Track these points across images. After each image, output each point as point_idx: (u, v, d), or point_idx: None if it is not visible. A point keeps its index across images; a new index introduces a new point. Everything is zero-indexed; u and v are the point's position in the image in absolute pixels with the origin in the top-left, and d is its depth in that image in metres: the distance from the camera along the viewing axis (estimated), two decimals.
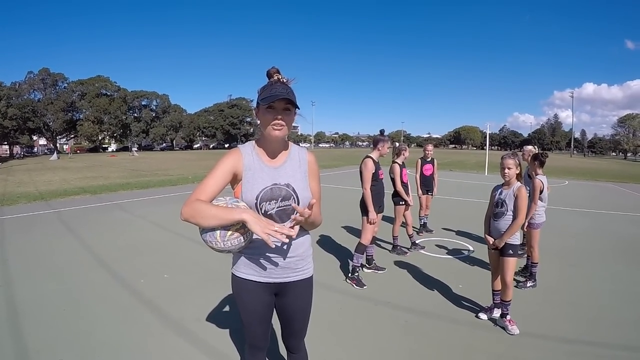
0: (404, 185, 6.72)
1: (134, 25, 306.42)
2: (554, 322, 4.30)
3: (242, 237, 1.89)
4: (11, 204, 11.56)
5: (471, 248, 7.31)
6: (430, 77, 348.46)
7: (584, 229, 9.23)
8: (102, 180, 18.39)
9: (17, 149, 64.22)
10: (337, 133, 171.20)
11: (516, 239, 4.10)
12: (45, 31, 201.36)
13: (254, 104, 2.14)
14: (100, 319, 4.21)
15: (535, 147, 6.45)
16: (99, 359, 3.47)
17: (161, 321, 4.20)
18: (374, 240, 6.02)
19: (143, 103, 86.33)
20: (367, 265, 5.92)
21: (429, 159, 8.27)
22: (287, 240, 1.82)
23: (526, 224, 5.43)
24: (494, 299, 4.34)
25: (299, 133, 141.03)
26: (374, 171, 5.41)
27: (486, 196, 4.46)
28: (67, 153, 59.73)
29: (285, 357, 2.48)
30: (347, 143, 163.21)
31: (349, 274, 5.49)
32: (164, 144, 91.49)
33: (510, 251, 4.05)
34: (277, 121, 1.98)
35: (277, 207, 2.05)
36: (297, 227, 1.94)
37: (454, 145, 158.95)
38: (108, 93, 76.77)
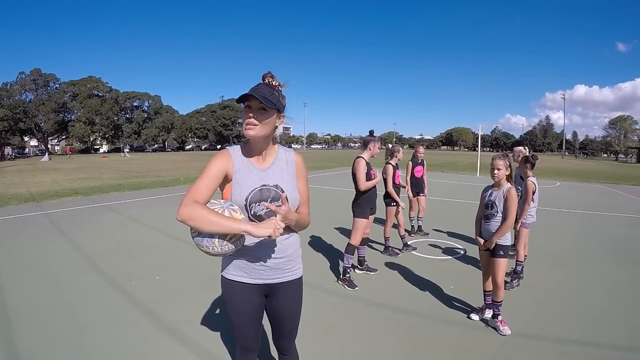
0: (397, 187, 6.75)
1: (126, 26, 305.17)
2: (545, 322, 4.33)
3: (238, 242, 1.92)
4: (2, 206, 11.46)
5: (463, 249, 7.35)
6: (422, 79, 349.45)
7: (575, 230, 9.30)
8: (94, 182, 18.28)
9: (8, 150, 63.74)
10: (329, 134, 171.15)
11: (507, 239, 4.12)
12: (36, 31, 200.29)
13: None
14: (92, 321, 4.19)
15: (526, 148, 6.49)
16: None
17: (153, 323, 4.18)
18: (367, 241, 6.03)
19: (135, 104, 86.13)
20: (358, 266, 5.93)
21: (419, 161, 8.30)
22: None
23: (519, 224, 5.48)
24: (485, 300, 4.36)
25: (291, 134, 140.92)
26: (366, 171, 5.44)
27: (478, 197, 4.49)
28: (67, 154, 59.60)
29: (277, 359, 2.48)
30: (339, 144, 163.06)
31: (340, 276, 5.50)
32: (156, 145, 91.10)
33: (501, 252, 4.08)
34: (248, 119, 1.99)
35: (267, 208, 2.05)
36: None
37: (446, 147, 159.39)
38: (100, 94, 76.38)
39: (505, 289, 4.44)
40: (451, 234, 8.52)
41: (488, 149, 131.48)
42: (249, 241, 2.03)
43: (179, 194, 14.35)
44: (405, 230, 7.26)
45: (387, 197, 6.73)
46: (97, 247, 7.03)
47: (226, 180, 2.08)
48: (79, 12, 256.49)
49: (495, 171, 4.11)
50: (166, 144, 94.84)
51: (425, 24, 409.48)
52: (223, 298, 2.24)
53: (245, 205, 2.04)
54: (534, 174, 5.69)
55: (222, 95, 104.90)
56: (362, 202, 5.52)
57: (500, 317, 4.12)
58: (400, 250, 7.02)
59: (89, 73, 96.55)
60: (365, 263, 5.95)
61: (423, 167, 8.29)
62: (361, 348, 3.78)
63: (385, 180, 6.69)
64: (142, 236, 8.01)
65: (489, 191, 4.27)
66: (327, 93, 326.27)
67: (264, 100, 1.94)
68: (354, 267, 5.80)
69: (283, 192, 2.10)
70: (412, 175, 8.24)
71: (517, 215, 5.07)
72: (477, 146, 31.02)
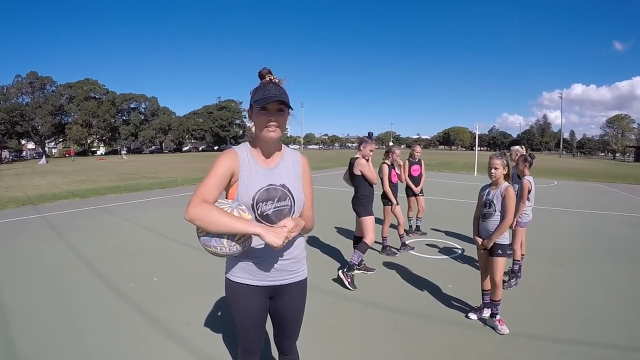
0: (394, 186, 6.75)
1: (123, 28, 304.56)
2: (543, 321, 4.33)
3: (246, 243, 1.92)
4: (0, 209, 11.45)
5: (461, 248, 7.35)
6: (419, 78, 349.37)
7: (573, 229, 9.31)
8: (91, 184, 18.23)
9: (5, 154, 63.63)
10: (326, 134, 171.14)
11: (505, 238, 4.12)
12: (33, 34, 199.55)
13: (244, 106, 2.15)
14: (90, 323, 4.18)
15: (523, 147, 6.50)
16: None
17: (151, 324, 4.17)
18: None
19: (132, 106, 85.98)
20: (357, 265, 5.92)
21: (416, 160, 8.31)
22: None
23: (515, 223, 5.49)
24: (483, 299, 4.36)
25: (289, 134, 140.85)
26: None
27: (475, 197, 4.49)
28: (71, 156, 59.74)
29: (277, 359, 2.47)
30: (336, 144, 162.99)
31: (345, 269, 5.44)
32: (153, 147, 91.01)
33: (499, 251, 4.08)
34: (271, 123, 2.00)
35: (274, 208, 2.07)
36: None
37: (443, 146, 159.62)
38: (96, 96, 76.23)
39: (503, 288, 4.44)
40: (449, 234, 8.53)
41: (485, 148, 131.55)
42: (256, 242, 2.01)
43: (177, 195, 14.37)
44: (404, 230, 7.27)
45: (385, 196, 6.73)
46: (94, 249, 7.01)
47: (232, 179, 2.06)
48: (75, 14, 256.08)
49: (493, 170, 4.11)
50: (163, 145, 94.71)
51: (423, 23, 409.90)
52: (227, 300, 2.22)
53: (252, 204, 2.03)
54: (531, 173, 5.71)
55: (219, 97, 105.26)
56: (365, 201, 5.60)
57: (498, 317, 4.12)
58: (398, 249, 7.02)
59: (86, 75, 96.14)
60: (364, 263, 5.93)
61: (420, 166, 8.29)
62: (359, 348, 3.78)
63: (381, 179, 6.70)
64: (139, 238, 8.00)
65: (487, 190, 4.28)
66: (325, 93, 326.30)
67: (288, 102, 2.00)
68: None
69: (290, 191, 2.12)
70: (409, 174, 8.25)
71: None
72: (475, 145, 31.06)
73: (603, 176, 26.66)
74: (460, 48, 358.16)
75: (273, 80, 2.05)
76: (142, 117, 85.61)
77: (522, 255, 5.66)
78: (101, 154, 77.85)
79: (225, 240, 1.84)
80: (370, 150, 5.70)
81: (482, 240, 4.22)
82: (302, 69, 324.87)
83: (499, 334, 3.99)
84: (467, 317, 4.40)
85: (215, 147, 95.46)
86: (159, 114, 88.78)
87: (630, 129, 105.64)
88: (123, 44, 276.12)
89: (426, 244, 7.65)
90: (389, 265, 6.30)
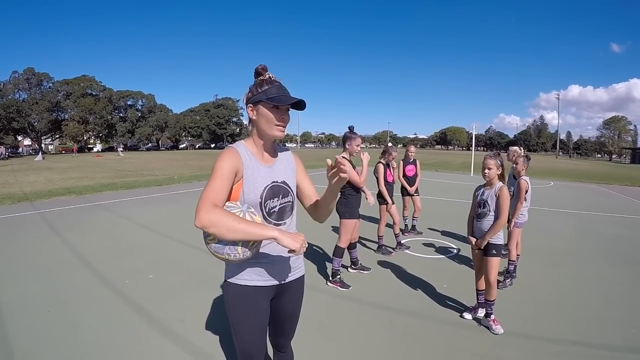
0: (389, 185, 6.76)
1: (120, 25, 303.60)
2: (538, 321, 4.35)
3: (259, 247, 1.91)
4: None
5: (456, 248, 7.38)
6: (416, 78, 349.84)
7: (568, 230, 9.35)
8: (87, 181, 18.18)
9: (1, 150, 63.22)
10: (323, 133, 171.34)
11: (499, 238, 4.14)
12: (30, 30, 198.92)
13: (241, 104, 2.14)
14: (86, 320, 4.18)
15: (521, 148, 6.52)
16: None
17: (146, 322, 4.18)
18: (354, 246, 5.90)
19: (129, 103, 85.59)
20: (352, 266, 5.93)
21: (411, 160, 8.32)
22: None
23: (512, 223, 5.51)
24: (478, 299, 4.38)
25: (286, 133, 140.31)
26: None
27: (471, 197, 4.50)
28: (73, 153, 59.92)
29: (272, 356, 2.48)
30: (333, 143, 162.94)
31: (330, 278, 5.42)
32: (150, 144, 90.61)
33: (494, 251, 4.10)
34: (283, 122, 2.03)
35: (280, 205, 2.09)
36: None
37: (440, 146, 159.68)
38: (93, 93, 75.91)
39: (497, 288, 4.47)
40: (445, 233, 8.55)
41: (482, 148, 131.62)
42: (263, 242, 1.99)
43: (173, 193, 14.36)
44: (400, 229, 7.28)
45: (379, 195, 6.74)
46: (90, 246, 7.01)
47: (235, 178, 1.99)
48: (72, 11, 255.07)
49: (486, 170, 4.14)
50: (160, 142, 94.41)
51: (421, 23, 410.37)
52: (230, 307, 2.11)
53: (261, 202, 2.02)
54: (527, 173, 5.73)
55: (216, 94, 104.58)
56: (351, 202, 5.38)
57: (492, 316, 4.14)
58: (393, 249, 7.04)
59: (83, 72, 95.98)
60: (359, 262, 5.94)
61: (415, 166, 8.30)
62: (354, 347, 3.79)
63: (377, 179, 6.71)
64: (135, 235, 8.00)
65: (481, 190, 4.29)
66: (322, 92, 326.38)
67: (304, 105, 2.03)
68: (347, 267, 5.79)
69: (290, 188, 2.16)
70: (404, 174, 8.26)
71: (509, 215, 5.10)
72: (471, 146, 31.08)
73: (599, 177, 26.74)
74: (457, 48, 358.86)
75: (274, 78, 2.05)
76: (139, 114, 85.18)
77: (517, 255, 5.69)
78: (97, 151, 77.54)
79: (240, 247, 1.81)
80: (357, 146, 5.29)
81: (476, 240, 4.24)
82: (299, 68, 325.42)
83: (493, 333, 4.01)
84: (461, 316, 4.42)
85: (212, 145, 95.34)
86: (156, 111, 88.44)
87: (627, 131, 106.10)
88: (120, 41, 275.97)
89: (422, 244, 7.67)
90: (384, 264, 6.31)
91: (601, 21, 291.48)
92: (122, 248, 6.98)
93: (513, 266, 5.55)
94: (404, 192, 8.28)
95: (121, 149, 66.78)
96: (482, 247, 4.17)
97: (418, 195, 8.37)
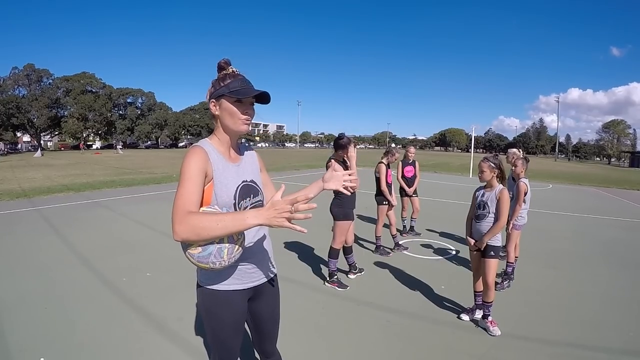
0: (388, 186, 6.76)
1: (121, 22, 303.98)
2: (535, 323, 4.35)
3: (242, 249, 1.82)
4: None
5: (455, 249, 7.37)
6: (416, 79, 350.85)
7: (567, 233, 9.34)
8: (86, 178, 18.16)
9: (0, 146, 63.30)
10: (322, 133, 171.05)
11: (497, 240, 4.14)
12: (30, 27, 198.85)
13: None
14: (83, 317, 4.18)
15: (520, 150, 6.52)
16: (81, 357, 3.45)
17: (143, 320, 4.17)
18: (350, 250, 5.80)
19: (128, 100, 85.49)
20: (352, 271, 5.81)
21: (410, 161, 8.31)
22: (310, 216, 1.62)
23: (511, 225, 5.51)
24: (475, 300, 4.38)
25: (285, 133, 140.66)
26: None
27: (470, 198, 4.50)
28: (81, 149, 59.91)
29: None
30: (332, 143, 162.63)
31: (327, 278, 5.42)
32: (149, 142, 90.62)
33: (492, 252, 4.09)
34: (248, 116, 1.95)
35: (251, 205, 2.01)
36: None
37: (439, 147, 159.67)
38: (93, 90, 75.82)
39: (495, 289, 4.46)
40: (443, 234, 8.54)
41: (481, 150, 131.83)
42: (247, 241, 1.93)
43: (171, 191, 14.24)
44: (397, 230, 7.27)
45: (379, 195, 6.74)
46: (88, 243, 7.00)
47: (205, 180, 1.87)
48: (73, 8, 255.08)
49: (479, 174, 4.19)
50: (159, 140, 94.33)
51: (421, 24, 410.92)
52: (207, 314, 2.02)
53: (234, 204, 1.92)
54: (526, 176, 5.73)
55: None
56: (345, 204, 5.37)
57: (490, 318, 4.13)
58: (391, 249, 7.04)
59: (83, 69, 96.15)
60: (355, 264, 5.89)
61: (414, 167, 8.29)
62: (351, 347, 3.78)
63: (378, 179, 6.70)
64: (133, 233, 7.99)
65: (481, 192, 4.30)
66: (321, 92, 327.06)
67: (270, 99, 1.98)
68: (347, 272, 5.76)
69: (259, 187, 2.10)
70: (403, 175, 8.25)
71: (508, 217, 5.09)
72: (471, 147, 31.10)
73: (598, 181, 26.74)
74: (458, 50, 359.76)
75: (237, 72, 1.98)
76: (139, 112, 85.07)
77: (515, 257, 5.68)
78: (96, 148, 77.46)
79: (226, 252, 1.71)
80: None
81: (474, 241, 4.24)
82: (299, 67, 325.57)
83: (490, 335, 4.01)
84: (459, 317, 4.42)
85: None
86: (155, 109, 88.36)
87: (626, 135, 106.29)
88: (121, 38, 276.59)
89: (420, 245, 7.66)
90: (382, 265, 6.31)
91: (602, 25, 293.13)
92: (120, 246, 6.97)
93: (511, 268, 5.55)
94: (403, 193, 8.28)
95: (120, 147, 66.76)
96: (481, 249, 4.17)
97: (417, 196, 8.37)
